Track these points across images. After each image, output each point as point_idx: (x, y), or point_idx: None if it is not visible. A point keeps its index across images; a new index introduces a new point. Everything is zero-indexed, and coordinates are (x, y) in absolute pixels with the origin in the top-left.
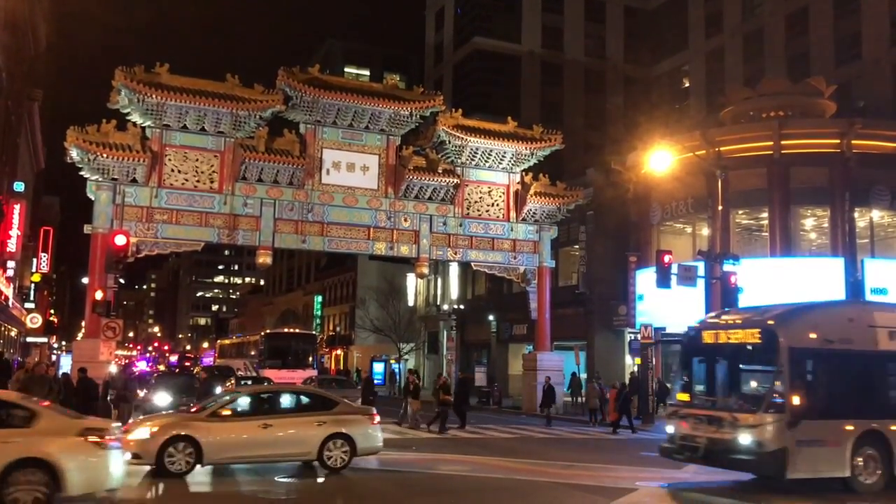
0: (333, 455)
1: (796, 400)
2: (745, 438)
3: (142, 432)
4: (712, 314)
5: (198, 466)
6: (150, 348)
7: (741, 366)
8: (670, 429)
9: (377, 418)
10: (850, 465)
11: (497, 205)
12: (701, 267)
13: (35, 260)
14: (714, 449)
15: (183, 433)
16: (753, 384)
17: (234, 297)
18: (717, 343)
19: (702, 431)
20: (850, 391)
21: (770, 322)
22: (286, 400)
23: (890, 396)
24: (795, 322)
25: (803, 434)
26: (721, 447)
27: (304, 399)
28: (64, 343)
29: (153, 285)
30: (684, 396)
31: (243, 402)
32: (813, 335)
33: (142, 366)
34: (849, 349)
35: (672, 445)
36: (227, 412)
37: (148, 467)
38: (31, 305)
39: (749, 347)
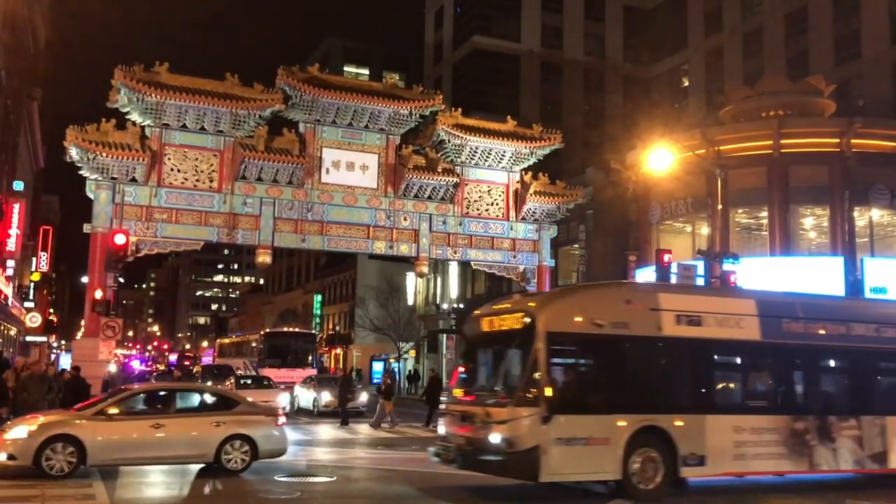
0: (232, 457)
1: (552, 391)
2: (494, 437)
3: (19, 431)
4: (496, 300)
5: (81, 467)
6: (149, 347)
7: (506, 356)
8: (441, 429)
9: (282, 419)
10: (623, 466)
11: (497, 204)
12: (700, 266)
13: (34, 259)
14: (468, 450)
15: (64, 433)
16: (515, 375)
17: (233, 296)
18: (491, 331)
19: (459, 430)
20: (626, 382)
21: (531, 305)
22: (183, 399)
23: (674, 388)
24: (558, 304)
25: (562, 431)
26: (474, 447)
27: (203, 398)
28: (63, 342)
29: (153, 284)
30: (458, 391)
31: (134, 400)
32: (579, 318)
33: (135, 365)
34: (623, 334)
35: (437, 447)
36: (114, 410)
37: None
38: (30, 304)
39: (511, 334)
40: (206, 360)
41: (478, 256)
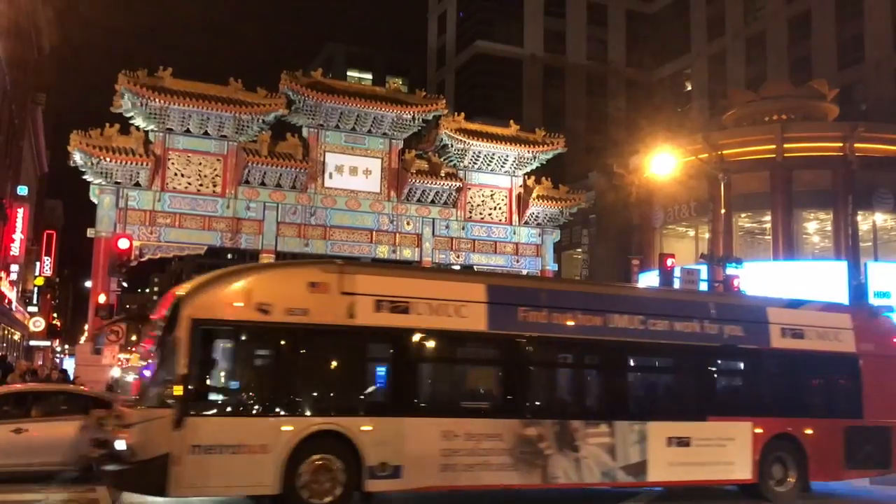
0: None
1: (188, 390)
2: (120, 443)
3: None
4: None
5: None
6: None
7: (162, 346)
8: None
9: None
10: (285, 478)
11: (499, 208)
12: (704, 270)
13: (38, 263)
14: (102, 459)
15: None
16: (165, 371)
17: None
18: (157, 317)
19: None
20: (299, 379)
21: (186, 286)
22: (52, 402)
23: (365, 387)
24: (214, 286)
25: (202, 436)
26: (106, 457)
27: (75, 401)
28: (67, 346)
29: (156, 289)
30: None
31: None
32: (240, 304)
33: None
34: (299, 323)
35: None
36: None
37: None
38: (34, 309)
39: (165, 321)
40: None
41: (481, 261)
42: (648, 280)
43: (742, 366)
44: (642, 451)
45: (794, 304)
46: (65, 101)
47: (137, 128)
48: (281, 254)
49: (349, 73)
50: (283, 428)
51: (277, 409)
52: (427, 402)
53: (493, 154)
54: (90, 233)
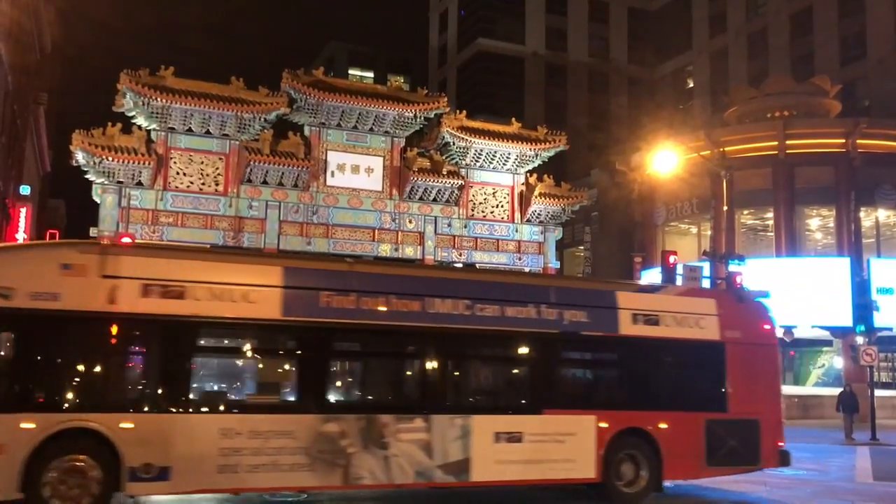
0: None
1: None
2: None
3: None
4: None
5: None
6: None
7: None
8: None
9: None
10: (23, 482)
11: (501, 206)
12: (706, 267)
13: None
14: None
15: None
16: None
17: None
18: None
19: None
20: (43, 371)
21: None
22: None
23: (124, 379)
24: None
25: None
26: None
27: None
28: None
29: None
30: None
31: None
32: None
33: None
34: (45, 309)
35: None
36: None
37: None
38: None
39: None
40: None
41: (483, 259)
42: (651, 277)
43: (585, 355)
44: (464, 447)
45: (651, 289)
46: (67, 101)
47: (139, 127)
48: (283, 252)
49: (351, 72)
50: (24, 426)
51: (18, 405)
52: (202, 398)
53: (495, 152)
54: (93, 232)
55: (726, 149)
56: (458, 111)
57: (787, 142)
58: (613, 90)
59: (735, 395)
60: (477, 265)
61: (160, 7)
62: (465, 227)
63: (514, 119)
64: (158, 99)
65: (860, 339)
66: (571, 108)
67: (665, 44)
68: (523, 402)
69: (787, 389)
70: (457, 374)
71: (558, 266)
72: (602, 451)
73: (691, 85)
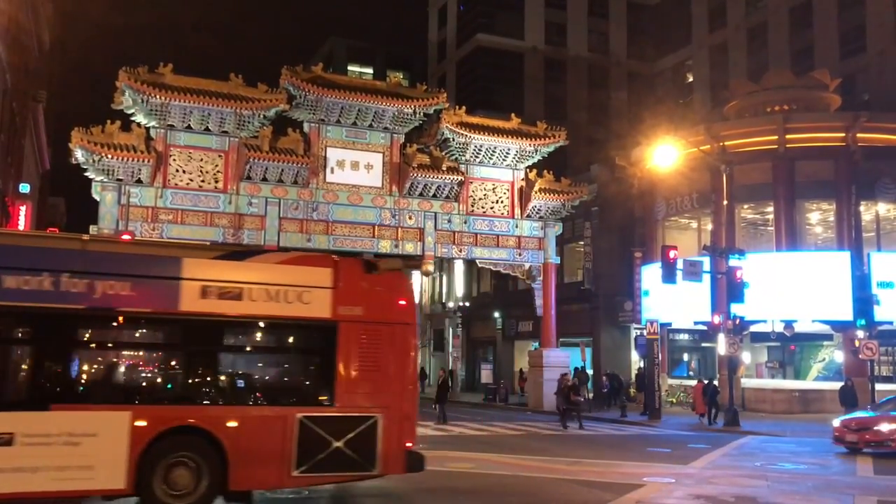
0: None
1: None
2: None
3: None
4: None
5: None
6: None
7: None
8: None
9: None
10: None
11: (501, 202)
12: (706, 262)
13: None
14: None
15: None
16: None
17: None
18: None
19: None
20: None
21: None
22: None
23: None
24: None
25: None
26: None
27: None
28: None
29: None
30: None
31: None
32: None
33: None
34: None
35: None
36: None
37: None
38: None
39: None
40: None
41: (483, 254)
42: (651, 272)
43: (121, 337)
44: None
45: (240, 256)
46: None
47: (139, 124)
48: (283, 249)
49: (350, 68)
50: None
51: None
52: None
53: (495, 147)
54: (92, 230)
55: (726, 143)
56: (457, 107)
57: (787, 136)
58: (613, 85)
59: (347, 387)
60: (477, 262)
61: (159, 4)
62: (465, 222)
63: (513, 114)
64: (157, 96)
65: (861, 334)
66: (571, 104)
67: (665, 38)
68: (19, 395)
69: (789, 384)
70: None
71: (559, 261)
72: (137, 456)
73: (691, 79)
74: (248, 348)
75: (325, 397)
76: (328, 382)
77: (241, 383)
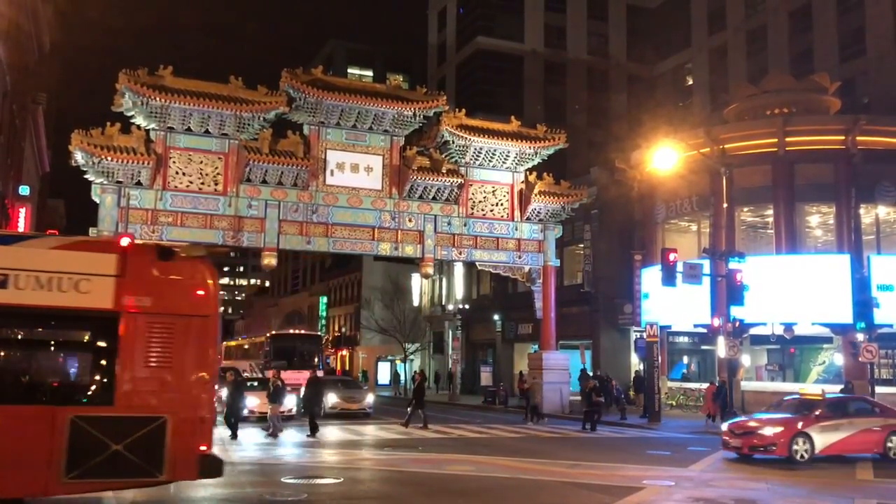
0: None
1: None
2: None
3: None
4: None
5: None
6: None
7: None
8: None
9: None
10: None
11: (501, 204)
12: (706, 265)
13: None
14: None
15: None
16: None
17: (239, 298)
18: None
19: None
20: None
21: None
22: None
23: None
24: None
25: None
26: None
27: None
28: None
29: None
30: None
31: None
32: None
33: None
34: None
35: None
36: None
37: None
38: None
39: None
40: None
41: (483, 257)
42: (651, 274)
43: None
44: None
45: (6, 240)
46: (66, 101)
47: (138, 127)
48: (283, 251)
49: (350, 71)
50: None
51: None
52: None
53: (495, 150)
54: (92, 232)
55: (726, 146)
56: (457, 109)
57: (787, 139)
58: (613, 88)
59: (130, 384)
60: (477, 264)
61: (159, 7)
62: (465, 225)
63: (513, 117)
64: (157, 98)
65: (860, 336)
66: (571, 106)
67: (664, 41)
68: None
69: (789, 386)
70: None
71: (559, 264)
72: None
73: (691, 82)
74: (11, 341)
75: (103, 396)
76: (108, 380)
77: None
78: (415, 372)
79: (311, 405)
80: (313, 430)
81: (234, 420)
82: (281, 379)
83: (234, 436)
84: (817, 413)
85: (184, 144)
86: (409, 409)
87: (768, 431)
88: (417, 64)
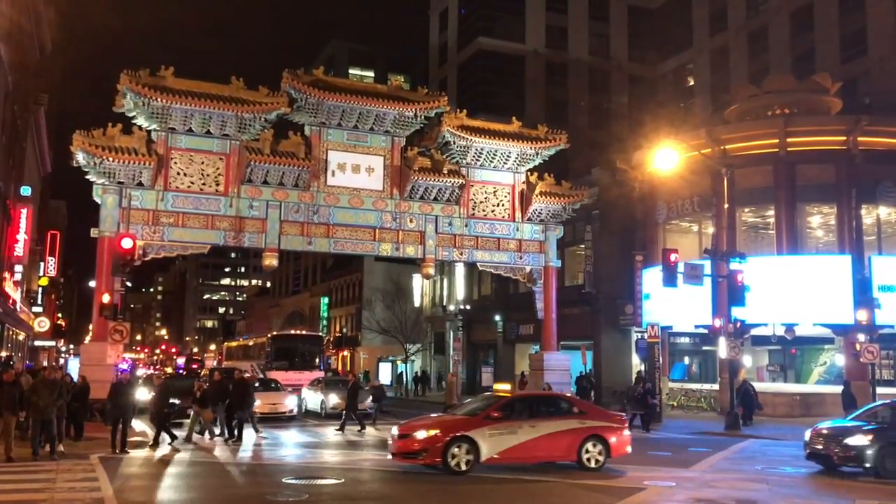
0: None
1: None
2: None
3: None
4: None
5: None
6: (157, 351)
7: None
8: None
9: None
10: None
11: (502, 205)
12: (707, 265)
13: (42, 264)
14: None
15: None
16: None
17: (240, 299)
18: None
19: None
20: None
21: None
22: None
23: None
24: None
25: None
26: None
27: None
28: (72, 346)
29: (160, 288)
30: None
31: None
32: None
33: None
34: None
35: None
36: None
37: None
38: (38, 309)
39: None
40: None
41: (484, 258)
42: (652, 275)
43: None
44: None
45: None
46: (67, 102)
47: (140, 127)
48: (284, 252)
49: (351, 71)
50: None
51: None
52: None
53: (496, 151)
54: (94, 233)
55: (727, 147)
56: (458, 110)
57: (788, 139)
58: (614, 88)
59: None
60: (478, 265)
61: (160, 7)
62: (466, 226)
63: (514, 118)
64: (158, 99)
65: (861, 337)
66: (572, 107)
67: (666, 42)
68: None
69: (790, 387)
70: None
71: (560, 265)
72: None
73: (692, 83)
74: None
75: None
76: None
77: None
78: (349, 372)
79: (233, 409)
80: (230, 433)
81: (239, 421)
82: (218, 381)
83: (234, 436)
84: (488, 414)
85: (185, 145)
86: (343, 414)
87: (421, 435)
88: (419, 64)
